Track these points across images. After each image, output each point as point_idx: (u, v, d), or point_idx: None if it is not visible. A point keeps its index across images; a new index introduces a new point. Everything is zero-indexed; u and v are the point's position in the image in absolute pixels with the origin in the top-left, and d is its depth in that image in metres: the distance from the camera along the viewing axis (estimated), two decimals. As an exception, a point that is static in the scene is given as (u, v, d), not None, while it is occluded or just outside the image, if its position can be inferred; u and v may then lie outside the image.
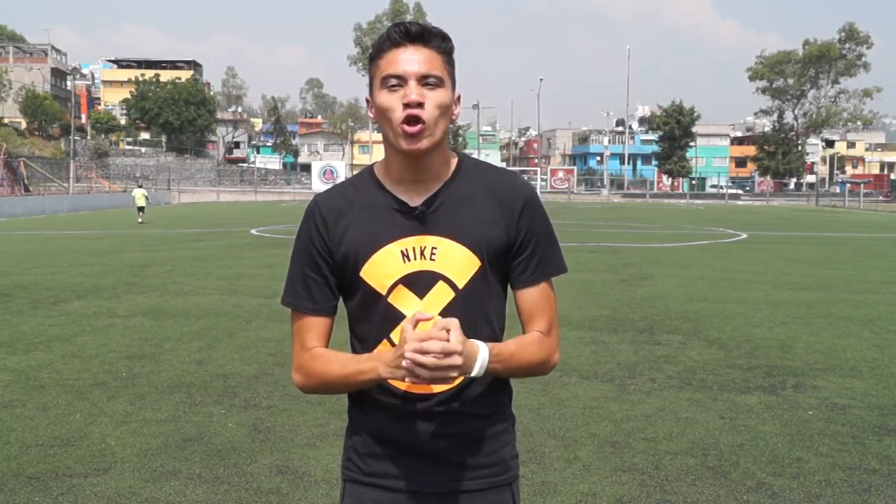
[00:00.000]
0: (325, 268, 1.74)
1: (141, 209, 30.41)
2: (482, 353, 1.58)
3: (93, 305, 10.05)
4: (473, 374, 1.58)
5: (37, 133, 73.21)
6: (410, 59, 1.64)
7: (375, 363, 1.60)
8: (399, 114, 1.64)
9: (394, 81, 1.65)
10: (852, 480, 4.30)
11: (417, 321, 1.55)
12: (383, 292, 1.69)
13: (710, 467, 4.49)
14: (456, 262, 1.69)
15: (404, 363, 1.50)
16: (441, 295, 1.68)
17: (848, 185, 71.90)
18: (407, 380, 1.54)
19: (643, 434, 5.05)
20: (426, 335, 1.50)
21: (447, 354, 1.48)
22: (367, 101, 1.74)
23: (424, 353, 1.48)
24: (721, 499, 4.06)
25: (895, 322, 9.04)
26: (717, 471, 4.43)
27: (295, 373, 1.77)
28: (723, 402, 5.78)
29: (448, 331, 1.50)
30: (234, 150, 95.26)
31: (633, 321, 8.98)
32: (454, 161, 1.77)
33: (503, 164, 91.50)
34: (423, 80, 1.64)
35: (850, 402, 5.79)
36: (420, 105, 1.63)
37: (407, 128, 1.63)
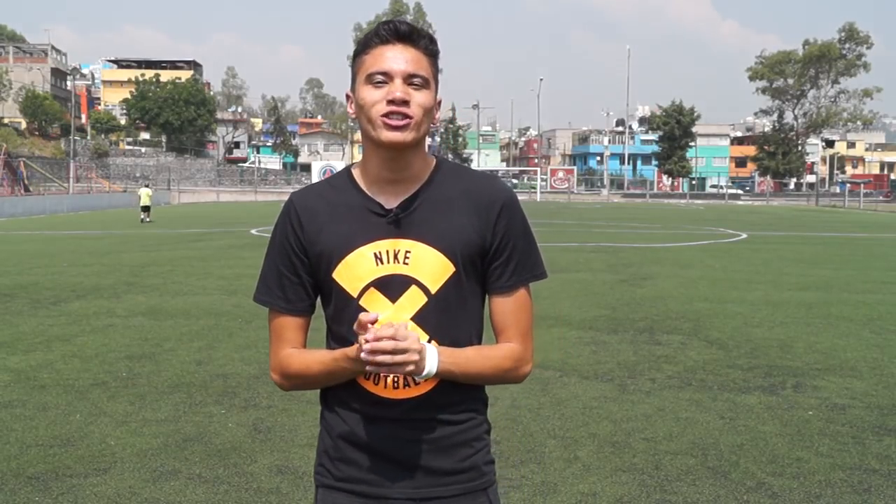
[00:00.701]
0: (301, 267, 1.72)
1: (146, 208, 30.53)
2: (430, 356, 1.58)
3: (93, 305, 10.05)
4: (423, 375, 1.58)
5: (37, 133, 73.21)
6: (398, 58, 1.62)
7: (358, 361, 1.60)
8: (381, 107, 1.62)
9: (379, 78, 1.62)
10: (852, 480, 4.30)
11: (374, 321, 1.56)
12: (355, 294, 1.67)
13: (710, 467, 4.49)
14: (429, 266, 1.66)
15: (363, 356, 1.52)
16: (413, 299, 1.66)
17: (848, 185, 71.94)
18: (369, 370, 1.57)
19: (643, 434, 5.05)
20: (380, 333, 1.51)
21: (400, 351, 1.50)
22: (348, 96, 1.72)
23: (379, 351, 1.50)
24: (721, 499, 4.06)
25: (895, 322, 9.05)
26: (717, 471, 4.43)
27: (272, 372, 1.76)
28: (723, 402, 5.78)
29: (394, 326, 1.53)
30: (234, 150, 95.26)
31: (633, 321, 8.98)
32: (432, 164, 1.74)
33: (503, 164, 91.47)
34: (409, 80, 1.62)
35: (850, 402, 5.79)
36: (405, 103, 1.61)
37: (391, 121, 1.61)
